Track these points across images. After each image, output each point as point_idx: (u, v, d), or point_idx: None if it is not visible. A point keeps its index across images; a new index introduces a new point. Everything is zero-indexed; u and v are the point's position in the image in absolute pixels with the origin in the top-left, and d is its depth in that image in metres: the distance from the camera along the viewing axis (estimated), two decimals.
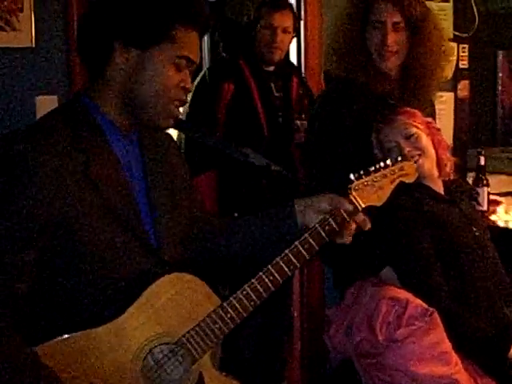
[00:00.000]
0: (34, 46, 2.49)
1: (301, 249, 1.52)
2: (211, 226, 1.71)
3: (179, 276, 1.49)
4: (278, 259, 1.51)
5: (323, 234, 1.54)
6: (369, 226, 1.59)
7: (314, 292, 3.16)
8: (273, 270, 1.51)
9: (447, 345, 1.79)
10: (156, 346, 1.46)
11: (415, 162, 2.01)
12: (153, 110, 1.46)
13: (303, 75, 3.01)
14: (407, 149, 2.03)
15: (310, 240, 1.53)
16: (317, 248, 1.54)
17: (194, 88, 2.78)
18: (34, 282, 1.38)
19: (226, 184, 2.75)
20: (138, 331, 1.44)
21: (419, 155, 2.04)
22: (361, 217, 1.57)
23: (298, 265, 1.54)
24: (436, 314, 1.80)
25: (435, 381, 1.73)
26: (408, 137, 2.06)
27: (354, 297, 2.02)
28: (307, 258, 1.54)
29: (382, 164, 1.62)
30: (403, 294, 1.86)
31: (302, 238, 1.53)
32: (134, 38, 1.42)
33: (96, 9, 1.47)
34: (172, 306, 1.47)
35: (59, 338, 1.39)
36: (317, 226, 1.54)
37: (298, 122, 2.77)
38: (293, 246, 1.52)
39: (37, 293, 1.41)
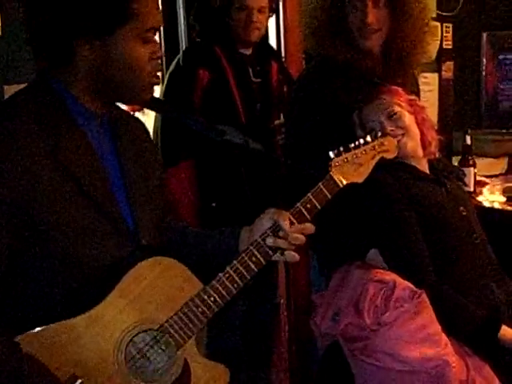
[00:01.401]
0: (1, 34, 2.42)
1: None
2: (172, 224, 1.69)
3: (159, 260, 1.45)
4: (259, 239, 1.49)
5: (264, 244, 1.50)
6: (312, 230, 1.53)
7: (300, 278, 3.13)
8: (256, 252, 1.48)
9: (436, 326, 1.75)
10: (137, 334, 1.42)
11: (399, 142, 1.98)
12: (133, 88, 1.42)
13: (282, 60, 2.95)
14: (390, 128, 1.99)
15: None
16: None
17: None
18: (7, 271, 1.34)
19: (205, 173, 2.69)
20: (118, 319, 1.40)
21: (402, 134, 2.00)
22: (299, 227, 1.51)
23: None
24: (424, 296, 1.77)
25: (425, 363, 1.69)
26: (391, 116, 2.01)
27: (339, 281, 1.98)
28: None
29: (361, 140, 1.61)
30: (390, 276, 1.82)
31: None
32: (94, 31, 1.35)
33: (45, 10, 1.36)
34: (152, 291, 1.43)
35: (36, 329, 1.34)
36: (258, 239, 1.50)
37: (277, 122, 2.69)
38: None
39: (9, 282, 1.36)
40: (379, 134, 1.65)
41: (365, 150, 1.60)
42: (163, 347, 1.43)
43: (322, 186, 1.54)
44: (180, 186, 2.60)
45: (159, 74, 1.49)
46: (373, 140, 1.62)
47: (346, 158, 1.57)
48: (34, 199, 1.31)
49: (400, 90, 2.08)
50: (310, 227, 1.52)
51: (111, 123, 1.51)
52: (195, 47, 2.80)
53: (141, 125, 1.64)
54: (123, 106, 1.62)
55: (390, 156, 1.65)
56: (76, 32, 1.34)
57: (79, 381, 1.33)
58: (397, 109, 2.02)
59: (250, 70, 2.73)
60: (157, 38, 1.45)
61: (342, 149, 1.58)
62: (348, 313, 1.83)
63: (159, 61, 1.44)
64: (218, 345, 2.75)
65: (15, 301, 1.38)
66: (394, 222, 1.92)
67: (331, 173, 1.55)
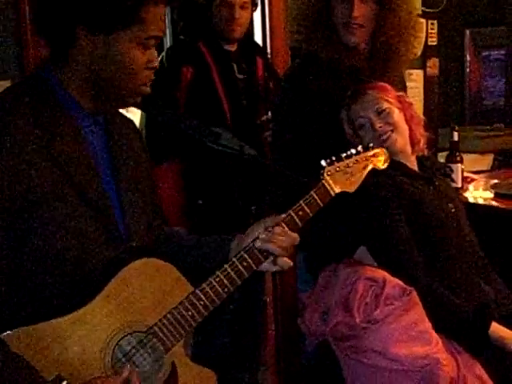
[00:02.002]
0: None
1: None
2: (160, 228, 1.66)
3: (149, 261, 1.42)
4: (251, 244, 1.47)
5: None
6: (297, 240, 1.51)
7: (286, 276, 3.11)
8: (246, 256, 1.46)
9: (427, 324, 1.75)
10: (124, 337, 1.39)
11: (388, 138, 1.97)
12: (122, 92, 1.40)
13: (268, 56, 2.92)
14: (379, 124, 1.98)
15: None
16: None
17: None
18: None
19: (191, 171, 2.66)
20: (105, 321, 1.37)
21: (391, 131, 1.99)
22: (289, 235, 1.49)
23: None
24: (414, 293, 1.76)
25: (415, 361, 1.69)
26: (379, 112, 2.00)
27: (327, 280, 1.97)
28: None
29: (353, 150, 1.61)
30: (380, 274, 1.81)
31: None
32: (100, 23, 1.33)
33: None
34: (141, 293, 1.40)
35: (21, 328, 1.31)
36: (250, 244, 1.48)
37: (265, 118, 2.65)
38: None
39: None
40: (371, 144, 1.65)
41: (357, 160, 1.60)
42: (150, 351, 1.40)
43: (314, 195, 1.53)
44: (166, 184, 2.57)
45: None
46: (365, 150, 1.63)
47: (338, 167, 1.57)
48: (25, 194, 1.28)
49: (388, 86, 2.07)
50: (295, 238, 1.51)
51: (105, 123, 1.49)
52: (179, 45, 2.78)
53: (132, 125, 1.62)
54: None
55: (381, 166, 1.65)
56: (79, 20, 1.33)
57: (65, 382, 1.30)
58: (385, 105, 2.01)
59: (235, 67, 2.69)
60: None
61: (334, 158, 1.58)
62: (337, 311, 1.82)
63: (153, 71, 1.42)
64: (207, 344, 2.76)
65: (4, 299, 1.34)
66: (383, 219, 1.91)
67: (323, 181, 1.54)
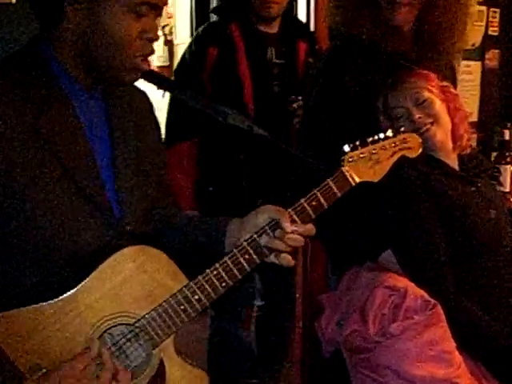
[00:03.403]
0: None
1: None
2: (166, 208, 1.57)
3: (142, 249, 1.33)
4: (255, 236, 1.35)
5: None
6: (313, 232, 1.38)
7: (317, 273, 2.98)
8: (249, 249, 1.34)
9: (450, 343, 1.58)
10: (111, 328, 1.30)
11: (426, 131, 1.78)
12: (114, 66, 1.30)
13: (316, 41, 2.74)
14: (417, 115, 1.81)
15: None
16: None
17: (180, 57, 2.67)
18: None
19: (205, 155, 2.58)
20: (92, 309, 1.29)
21: (431, 123, 1.82)
22: (301, 227, 1.36)
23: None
24: (439, 308, 1.59)
25: None
26: (419, 102, 1.83)
27: (349, 283, 1.82)
28: None
29: (381, 135, 1.45)
30: (403, 283, 1.64)
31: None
32: None
33: None
34: (132, 282, 1.31)
35: (3, 312, 1.25)
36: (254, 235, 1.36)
37: (295, 105, 2.50)
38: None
39: None
40: (402, 129, 1.49)
41: (384, 146, 1.44)
42: (141, 343, 1.32)
43: (331, 183, 1.39)
44: (179, 165, 2.50)
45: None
46: (394, 135, 1.46)
47: (362, 153, 1.41)
48: (12, 176, 1.22)
49: (432, 74, 1.88)
50: (310, 230, 1.37)
51: (106, 97, 1.40)
52: (208, 26, 2.68)
53: (144, 97, 1.52)
54: None
55: (412, 155, 1.49)
56: None
57: (43, 370, 1.23)
58: (426, 95, 1.84)
59: (272, 50, 2.56)
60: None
61: (358, 143, 1.43)
62: (353, 319, 1.66)
63: (150, 43, 1.31)
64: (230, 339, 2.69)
65: None
66: (412, 221, 1.73)
67: (343, 168, 1.40)
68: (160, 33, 4.62)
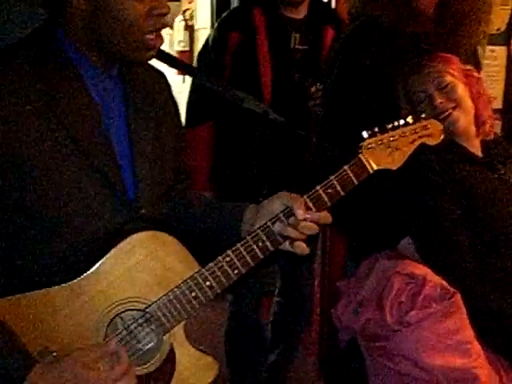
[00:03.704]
0: None
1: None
2: (184, 192, 1.54)
3: (155, 235, 1.31)
4: (268, 223, 1.32)
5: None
6: (329, 220, 1.34)
7: (336, 260, 2.95)
8: (263, 236, 1.31)
9: (468, 333, 1.54)
10: (122, 313, 1.29)
11: (449, 116, 1.74)
12: (125, 45, 1.28)
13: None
14: (439, 100, 1.76)
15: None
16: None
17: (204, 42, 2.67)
18: None
19: (223, 139, 2.57)
20: (103, 294, 1.28)
21: (454, 108, 1.76)
22: (316, 215, 1.32)
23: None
24: (458, 297, 1.55)
25: (450, 374, 1.49)
26: (442, 86, 1.78)
27: (366, 270, 1.78)
28: None
29: (401, 121, 1.40)
30: (421, 270, 1.60)
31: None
32: None
33: None
34: (143, 268, 1.29)
35: (14, 296, 1.24)
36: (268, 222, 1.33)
37: (313, 88, 2.45)
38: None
39: None
40: (423, 115, 1.44)
41: (404, 133, 1.39)
42: (153, 328, 1.30)
43: (348, 170, 1.35)
44: (196, 148, 2.50)
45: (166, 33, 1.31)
46: (414, 122, 1.41)
47: (381, 140, 1.37)
48: (23, 151, 1.21)
49: (454, 58, 1.83)
50: (326, 217, 1.33)
51: (123, 78, 1.37)
52: (232, 11, 2.68)
53: (162, 79, 1.49)
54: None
55: (432, 142, 1.44)
56: None
57: (53, 354, 1.21)
58: (449, 79, 1.79)
59: (297, 36, 2.52)
60: None
61: (376, 129, 1.38)
62: (369, 307, 1.63)
63: (159, 18, 1.28)
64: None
65: (0, 266, 1.28)
66: (433, 209, 1.69)
67: (361, 155, 1.36)
68: (180, 18, 4.63)
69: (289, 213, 1.31)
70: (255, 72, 2.44)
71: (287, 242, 1.33)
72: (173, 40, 4.47)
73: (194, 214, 1.49)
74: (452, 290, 1.55)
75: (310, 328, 3.06)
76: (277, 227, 1.31)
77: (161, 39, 1.31)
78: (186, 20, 4.31)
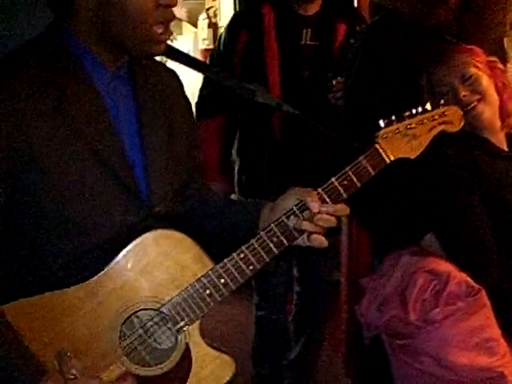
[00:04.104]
0: None
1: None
2: (199, 190, 1.52)
3: (168, 233, 1.29)
4: (283, 217, 1.29)
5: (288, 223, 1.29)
6: (346, 212, 1.31)
7: (362, 256, 2.92)
8: (277, 231, 1.29)
9: (495, 331, 1.50)
10: (137, 312, 1.27)
11: (473, 109, 1.70)
12: (133, 38, 1.25)
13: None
14: (463, 93, 1.72)
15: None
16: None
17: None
18: (4, 233, 1.24)
19: (232, 130, 2.59)
20: (117, 293, 1.26)
21: (478, 100, 1.72)
22: (331, 207, 1.29)
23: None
24: (483, 293, 1.52)
25: (476, 373, 1.45)
26: (466, 78, 1.74)
27: (390, 267, 1.75)
28: None
29: (419, 109, 1.35)
30: (445, 267, 1.57)
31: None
32: None
33: None
34: (156, 266, 1.28)
35: (28, 298, 1.23)
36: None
37: (334, 82, 2.40)
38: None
39: (6, 246, 1.26)
40: (441, 101, 1.39)
41: (421, 121, 1.35)
42: (170, 326, 1.28)
43: (363, 160, 1.31)
44: (208, 139, 2.51)
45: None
46: (433, 108, 1.36)
47: (398, 129, 1.33)
48: (37, 159, 1.20)
49: (477, 49, 1.79)
50: (343, 209, 1.30)
51: (132, 77, 1.36)
52: (242, 10, 2.67)
53: (173, 77, 1.47)
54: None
55: (452, 129, 1.39)
56: None
57: (68, 354, 1.20)
58: (473, 70, 1.76)
59: (308, 32, 2.49)
60: None
61: (393, 117, 1.34)
62: (393, 304, 1.61)
63: (168, 9, 1.26)
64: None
65: (10, 268, 1.28)
66: (457, 204, 1.66)
67: (377, 145, 1.32)
68: (204, 15, 4.63)
69: (303, 206, 1.28)
70: (263, 70, 2.44)
71: (305, 237, 1.30)
72: (197, 38, 4.47)
73: (210, 212, 1.47)
74: (477, 286, 1.52)
75: (337, 325, 3.04)
76: (292, 222, 1.28)
77: (169, 32, 1.29)
78: (209, 18, 4.31)
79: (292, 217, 1.28)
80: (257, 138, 2.48)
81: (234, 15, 2.64)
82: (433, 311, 1.50)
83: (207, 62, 2.72)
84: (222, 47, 2.55)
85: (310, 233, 1.29)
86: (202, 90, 2.57)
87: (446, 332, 1.47)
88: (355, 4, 2.75)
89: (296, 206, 1.29)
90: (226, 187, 2.56)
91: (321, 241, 1.30)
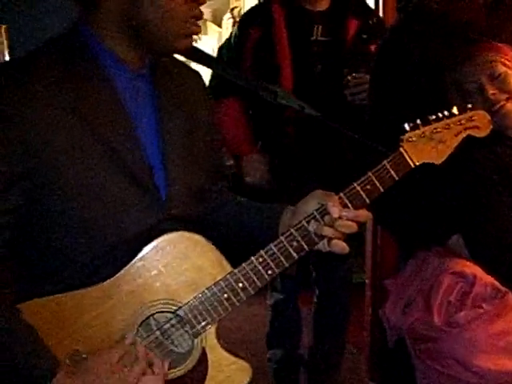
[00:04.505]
0: None
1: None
2: (219, 193, 1.50)
3: (186, 235, 1.28)
4: (303, 222, 1.27)
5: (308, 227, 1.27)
6: (368, 218, 1.28)
7: (387, 258, 2.88)
8: (297, 236, 1.26)
9: None
10: (153, 314, 1.27)
11: (501, 108, 1.66)
12: (164, 34, 1.24)
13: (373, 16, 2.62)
14: (491, 91, 1.68)
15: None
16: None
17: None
18: (19, 235, 1.23)
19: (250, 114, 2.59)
20: (133, 295, 1.25)
21: (507, 99, 1.68)
22: (352, 213, 1.26)
23: None
24: (510, 296, 1.49)
25: (502, 377, 1.41)
26: (494, 77, 1.69)
27: (415, 268, 1.71)
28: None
29: (446, 112, 1.32)
30: (471, 269, 1.54)
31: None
32: None
33: None
34: (175, 268, 1.26)
35: (44, 298, 1.23)
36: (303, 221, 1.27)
37: (349, 77, 2.39)
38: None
39: (22, 247, 1.25)
40: (469, 106, 1.36)
41: (448, 124, 1.32)
42: (187, 329, 1.27)
43: (387, 165, 1.28)
44: (226, 118, 2.50)
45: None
46: (460, 113, 1.34)
47: (423, 133, 1.30)
48: (50, 151, 1.19)
49: (505, 46, 1.75)
50: (365, 215, 1.27)
51: (154, 77, 1.35)
52: (253, 8, 2.69)
53: (197, 78, 1.46)
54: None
55: (479, 134, 1.36)
56: None
57: (83, 356, 1.21)
58: (502, 69, 1.71)
59: (319, 28, 2.47)
60: None
61: (419, 121, 1.31)
62: (417, 306, 1.57)
63: (199, 6, 1.25)
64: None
65: (29, 268, 1.28)
66: (484, 205, 1.61)
67: (401, 149, 1.29)
68: (228, 15, 4.64)
69: (324, 211, 1.25)
70: (275, 66, 2.43)
71: (325, 242, 1.27)
72: (221, 38, 4.48)
73: (230, 215, 1.46)
74: (504, 289, 1.48)
75: (362, 327, 3.01)
76: (312, 226, 1.25)
77: (198, 29, 1.28)
78: (234, 17, 4.31)
79: (312, 221, 1.25)
80: (269, 140, 2.48)
81: (244, 13, 2.66)
82: (458, 314, 1.47)
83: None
84: (232, 44, 2.55)
85: (331, 238, 1.26)
86: (210, 81, 2.56)
87: (471, 335, 1.44)
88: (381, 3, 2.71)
89: (317, 210, 1.26)
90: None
91: (342, 247, 1.27)
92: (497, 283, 1.50)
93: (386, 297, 1.81)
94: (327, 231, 1.25)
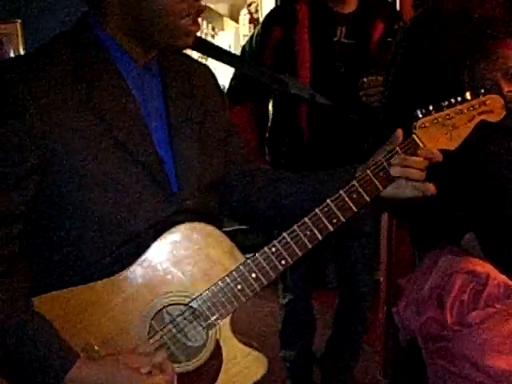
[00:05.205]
0: None
1: (346, 198, 1.27)
2: (252, 175, 1.48)
3: (198, 226, 1.28)
4: (317, 210, 1.27)
5: (374, 179, 1.28)
6: (440, 158, 1.29)
7: (402, 256, 2.87)
8: (310, 224, 1.26)
9: None
10: (167, 307, 1.27)
11: None
12: (162, 31, 1.26)
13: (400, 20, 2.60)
14: (508, 89, 1.65)
15: (359, 188, 1.28)
16: (367, 198, 1.28)
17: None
18: (32, 228, 1.24)
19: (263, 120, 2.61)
20: (146, 287, 1.25)
21: None
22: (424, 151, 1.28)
23: (342, 218, 1.28)
24: None
25: None
26: (510, 73, 1.67)
27: (429, 266, 1.70)
28: (354, 209, 1.29)
29: (458, 98, 1.32)
30: (485, 268, 1.52)
31: (350, 185, 1.28)
32: None
33: None
34: (187, 260, 1.27)
35: (57, 291, 1.24)
36: (367, 171, 1.28)
37: (366, 79, 2.36)
38: (337, 195, 1.28)
39: (35, 239, 1.27)
40: (482, 90, 1.35)
41: (461, 110, 1.31)
42: (201, 322, 1.27)
43: (400, 151, 1.28)
44: (241, 124, 2.48)
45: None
46: (472, 98, 1.33)
47: (436, 119, 1.29)
48: (66, 153, 1.20)
49: None
50: (437, 154, 1.29)
51: (163, 71, 1.36)
52: (277, 6, 2.74)
53: (206, 71, 1.47)
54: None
55: (493, 119, 1.35)
56: None
57: (95, 348, 1.22)
58: None
59: (343, 30, 2.46)
60: None
61: (431, 107, 1.31)
62: (430, 306, 1.56)
63: (198, 3, 1.26)
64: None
65: (42, 261, 1.29)
66: (499, 203, 1.59)
67: (414, 135, 1.29)
68: (245, 11, 4.64)
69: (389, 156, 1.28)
70: (294, 65, 2.41)
71: (408, 190, 1.29)
72: (238, 33, 4.48)
73: (292, 183, 1.45)
74: None
75: (376, 325, 3.00)
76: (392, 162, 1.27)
77: (198, 25, 1.29)
78: (251, 13, 4.31)
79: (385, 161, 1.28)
80: (284, 135, 2.46)
81: (269, 11, 2.64)
82: (471, 313, 1.45)
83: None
84: (254, 43, 2.55)
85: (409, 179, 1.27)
86: (231, 81, 2.59)
87: (483, 335, 1.42)
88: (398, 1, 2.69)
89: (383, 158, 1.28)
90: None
91: (427, 187, 1.29)
92: (510, 282, 1.48)
93: (400, 295, 1.80)
94: (402, 172, 1.27)
